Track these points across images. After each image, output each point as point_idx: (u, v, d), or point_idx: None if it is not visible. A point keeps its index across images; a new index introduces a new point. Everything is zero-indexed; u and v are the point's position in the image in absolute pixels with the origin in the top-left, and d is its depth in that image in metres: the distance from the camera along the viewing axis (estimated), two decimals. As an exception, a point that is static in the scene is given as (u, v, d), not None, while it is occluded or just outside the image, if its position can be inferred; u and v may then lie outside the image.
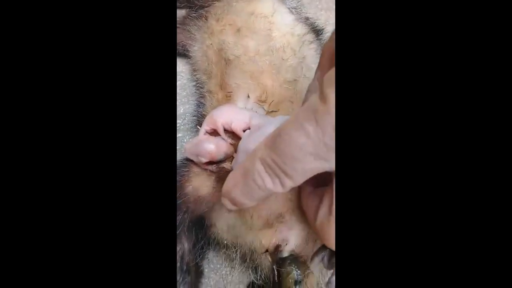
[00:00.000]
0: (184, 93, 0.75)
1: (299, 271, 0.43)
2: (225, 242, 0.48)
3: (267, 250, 0.45)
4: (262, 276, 0.47)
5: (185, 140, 0.70)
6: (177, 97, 0.74)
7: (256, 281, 0.47)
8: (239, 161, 0.45)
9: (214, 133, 0.53)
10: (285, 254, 0.44)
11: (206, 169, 0.51)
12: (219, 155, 0.50)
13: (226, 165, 0.51)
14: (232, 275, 0.54)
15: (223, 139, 0.51)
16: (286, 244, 0.44)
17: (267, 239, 0.45)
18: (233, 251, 0.47)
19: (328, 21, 0.72)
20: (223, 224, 0.48)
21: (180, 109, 0.74)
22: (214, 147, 0.49)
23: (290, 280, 0.43)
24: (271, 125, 0.45)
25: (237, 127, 0.49)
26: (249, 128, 0.49)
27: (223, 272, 0.56)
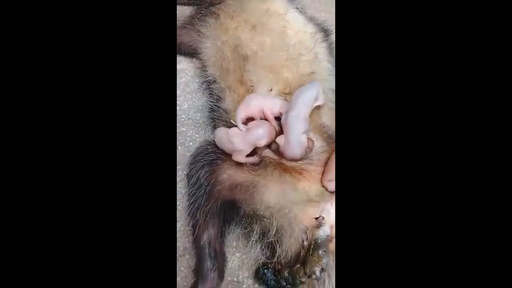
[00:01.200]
0: (188, 89, 0.75)
1: (328, 261, 0.45)
2: (262, 213, 0.49)
3: (317, 218, 0.46)
4: (286, 255, 0.48)
5: (188, 134, 0.70)
6: (181, 93, 0.74)
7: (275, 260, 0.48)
8: (295, 131, 0.49)
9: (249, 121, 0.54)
10: (327, 231, 0.46)
11: (246, 163, 0.52)
12: (273, 132, 0.51)
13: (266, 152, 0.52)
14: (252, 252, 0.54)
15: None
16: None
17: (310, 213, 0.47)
18: (270, 223, 0.48)
19: (327, 23, 0.74)
20: (266, 199, 0.49)
21: (184, 105, 0.73)
22: (266, 126, 0.51)
23: (319, 265, 0.44)
24: (300, 97, 0.51)
25: (269, 111, 0.52)
26: (280, 114, 0.51)
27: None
